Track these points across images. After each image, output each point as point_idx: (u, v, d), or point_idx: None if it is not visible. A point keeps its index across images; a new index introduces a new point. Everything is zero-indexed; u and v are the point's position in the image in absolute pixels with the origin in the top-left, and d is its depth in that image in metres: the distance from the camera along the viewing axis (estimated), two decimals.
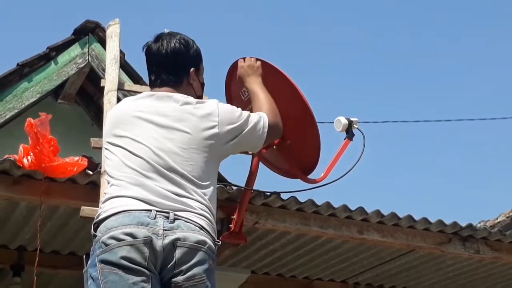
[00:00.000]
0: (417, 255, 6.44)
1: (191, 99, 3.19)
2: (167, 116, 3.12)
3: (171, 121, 3.11)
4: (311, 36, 23.24)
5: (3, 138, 6.84)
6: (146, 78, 6.86)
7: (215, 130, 3.13)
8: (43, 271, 5.64)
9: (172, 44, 3.26)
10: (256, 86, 3.56)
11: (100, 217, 2.98)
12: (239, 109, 3.27)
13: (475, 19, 23.60)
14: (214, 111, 3.15)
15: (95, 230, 2.97)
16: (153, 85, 3.27)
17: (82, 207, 4.00)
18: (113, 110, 3.27)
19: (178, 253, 2.89)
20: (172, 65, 3.25)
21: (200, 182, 3.05)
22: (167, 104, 3.16)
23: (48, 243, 5.91)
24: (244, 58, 3.87)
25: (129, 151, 3.05)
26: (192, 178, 3.03)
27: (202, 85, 3.37)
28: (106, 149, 3.17)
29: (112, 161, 3.10)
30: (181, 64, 3.27)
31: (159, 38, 3.30)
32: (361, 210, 5.71)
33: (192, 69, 3.28)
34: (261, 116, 3.30)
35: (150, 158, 3.03)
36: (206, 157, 3.10)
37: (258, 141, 3.29)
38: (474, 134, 25.36)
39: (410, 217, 5.87)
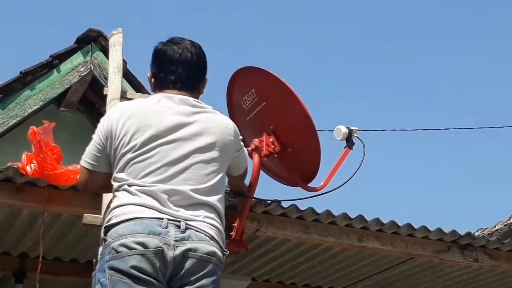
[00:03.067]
0: (416, 263, 6.46)
1: (207, 106, 3.22)
2: (183, 123, 3.12)
3: (187, 128, 3.11)
4: (312, 43, 23.29)
5: (6, 145, 6.87)
6: (147, 87, 6.94)
7: (231, 137, 3.19)
8: (45, 278, 5.65)
9: (196, 50, 3.27)
10: None
11: (111, 222, 2.97)
12: None
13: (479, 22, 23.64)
14: (228, 121, 3.23)
15: (105, 234, 2.98)
16: (171, 85, 3.23)
17: (85, 214, 4.02)
18: (129, 110, 3.16)
19: (188, 263, 2.90)
20: (196, 71, 3.26)
21: (213, 190, 3.07)
22: (184, 108, 3.16)
23: (50, 250, 5.93)
24: (246, 68, 3.93)
25: (141, 158, 3.05)
26: (206, 185, 3.05)
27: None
28: (117, 157, 3.12)
29: (124, 166, 3.08)
30: (202, 73, 3.30)
31: (179, 40, 3.27)
32: (360, 218, 5.74)
33: (206, 77, 3.33)
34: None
35: (162, 168, 3.02)
36: (219, 164, 3.12)
37: (242, 165, 3.42)
38: (473, 142, 25.39)
39: (409, 225, 5.90)
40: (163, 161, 3.04)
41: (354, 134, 4.27)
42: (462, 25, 23.85)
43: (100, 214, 3.51)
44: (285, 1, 21.87)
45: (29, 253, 6.06)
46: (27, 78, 7.12)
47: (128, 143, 3.07)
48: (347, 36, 23.91)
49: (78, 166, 4.70)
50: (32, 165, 4.52)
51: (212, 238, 2.98)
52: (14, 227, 5.59)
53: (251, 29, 23.46)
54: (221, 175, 3.13)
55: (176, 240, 2.89)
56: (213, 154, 3.09)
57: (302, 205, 5.57)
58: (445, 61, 23.68)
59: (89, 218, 3.99)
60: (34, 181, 4.87)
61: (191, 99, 3.19)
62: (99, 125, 3.20)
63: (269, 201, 5.31)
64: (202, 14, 22.54)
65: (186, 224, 2.93)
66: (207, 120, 3.14)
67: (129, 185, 3.02)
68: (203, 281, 2.92)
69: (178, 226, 2.92)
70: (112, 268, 2.86)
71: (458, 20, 23.84)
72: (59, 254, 6.13)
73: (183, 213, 2.97)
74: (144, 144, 3.05)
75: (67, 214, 5.31)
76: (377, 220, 5.79)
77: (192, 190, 3.02)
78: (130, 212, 2.94)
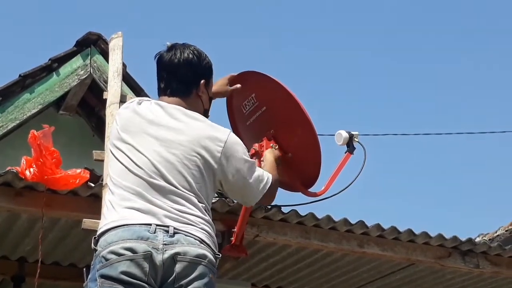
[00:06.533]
0: (417, 269, 6.45)
1: (202, 117, 3.20)
2: (173, 129, 3.12)
3: (176, 135, 3.11)
4: (313, 47, 23.31)
5: (5, 149, 6.87)
6: (147, 90, 6.94)
7: (217, 154, 3.13)
8: (43, 283, 5.64)
9: (185, 55, 3.27)
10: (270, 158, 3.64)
11: (100, 231, 2.98)
12: (247, 155, 3.23)
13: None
14: (222, 137, 3.15)
15: (95, 244, 2.97)
16: (162, 93, 3.27)
17: (84, 219, 4.01)
18: (125, 112, 3.22)
19: (178, 267, 2.89)
20: (183, 75, 3.26)
21: (200, 196, 3.07)
22: (174, 118, 3.16)
23: (49, 254, 5.92)
24: (246, 72, 3.91)
25: (132, 160, 3.05)
26: (192, 192, 3.04)
27: (210, 99, 3.39)
28: (112, 152, 3.15)
29: (116, 165, 3.09)
30: (192, 75, 3.28)
31: (172, 47, 3.30)
32: (361, 223, 5.73)
33: (202, 81, 3.28)
34: (268, 177, 3.26)
35: (151, 170, 3.02)
36: (205, 173, 3.10)
37: (251, 193, 3.23)
38: (474, 147, 25.38)
39: (410, 231, 5.89)
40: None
41: (355, 138, 4.25)
42: (465, 23, 23.89)
43: (99, 219, 3.50)
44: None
45: (27, 257, 6.05)
46: (26, 81, 7.10)
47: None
48: (349, 37, 23.93)
49: (78, 171, 4.70)
50: (31, 169, 4.53)
51: (202, 241, 2.97)
52: (12, 232, 5.58)
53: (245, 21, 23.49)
54: (208, 183, 3.12)
55: (165, 244, 2.89)
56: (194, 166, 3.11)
57: (303, 210, 5.56)
58: (448, 67, 23.72)
59: (88, 223, 3.97)
60: (33, 186, 4.87)
61: (181, 108, 3.18)
62: None
63: (269, 206, 5.29)
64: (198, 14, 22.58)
65: (174, 229, 2.93)
66: (194, 130, 3.14)
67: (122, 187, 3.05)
68: (195, 284, 2.90)
69: (167, 231, 2.92)
70: (102, 276, 2.86)
71: (458, 17, 23.88)
72: (57, 258, 6.12)
73: (172, 218, 2.97)
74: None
75: (66, 218, 5.31)
76: (377, 226, 5.79)
77: (180, 196, 3.03)
78: (119, 219, 2.94)
